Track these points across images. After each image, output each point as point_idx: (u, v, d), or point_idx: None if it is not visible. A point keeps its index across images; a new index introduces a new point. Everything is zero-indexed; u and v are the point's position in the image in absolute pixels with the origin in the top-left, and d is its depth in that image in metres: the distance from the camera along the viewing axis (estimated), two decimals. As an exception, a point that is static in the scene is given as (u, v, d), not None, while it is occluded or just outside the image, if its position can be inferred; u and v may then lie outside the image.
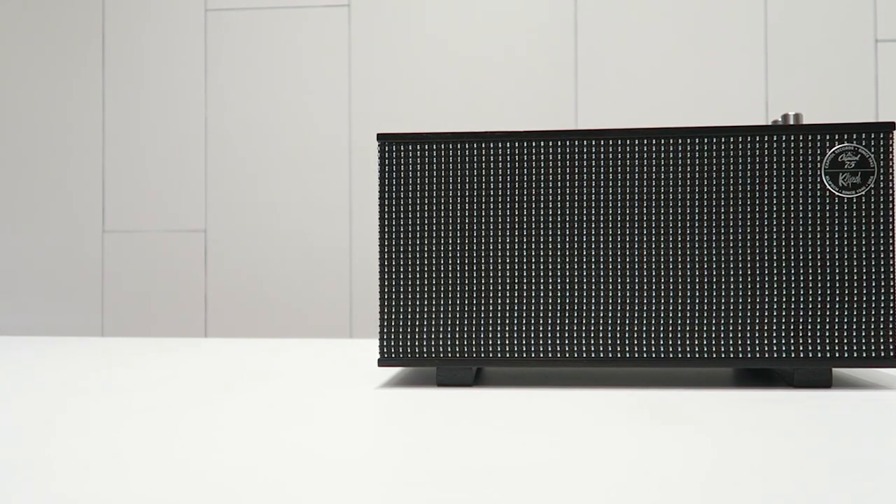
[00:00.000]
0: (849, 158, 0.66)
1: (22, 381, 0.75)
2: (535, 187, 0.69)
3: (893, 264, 0.66)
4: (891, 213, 0.66)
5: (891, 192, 0.66)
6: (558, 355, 0.68)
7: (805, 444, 0.46)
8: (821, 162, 0.66)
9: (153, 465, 0.42)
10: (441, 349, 0.69)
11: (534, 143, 0.68)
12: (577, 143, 0.68)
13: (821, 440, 0.47)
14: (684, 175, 0.67)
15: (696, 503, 0.34)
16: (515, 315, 0.68)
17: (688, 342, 0.67)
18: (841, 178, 0.66)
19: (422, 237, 0.69)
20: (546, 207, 0.68)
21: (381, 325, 0.69)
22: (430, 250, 0.69)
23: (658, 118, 1.26)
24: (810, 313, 0.66)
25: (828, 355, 0.66)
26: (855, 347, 0.66)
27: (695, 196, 0.67)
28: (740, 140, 0.67)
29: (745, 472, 0.40)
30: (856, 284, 0.66)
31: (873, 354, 0.66)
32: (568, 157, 0.68)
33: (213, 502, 0.35)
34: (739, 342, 0.67)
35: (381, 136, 0.70)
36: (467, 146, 0.69)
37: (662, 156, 0.68)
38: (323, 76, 1.33)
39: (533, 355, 0.68)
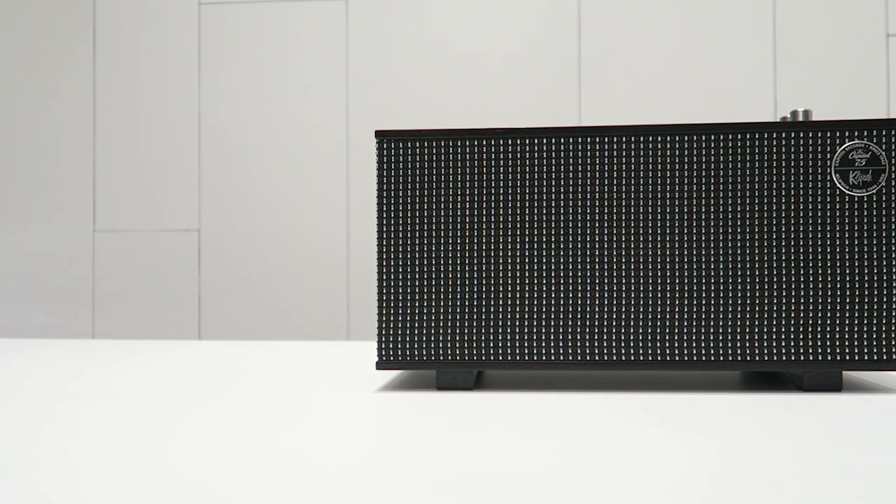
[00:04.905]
0: (859, 156, 0.64)
1: (10, 385, 0.73)
2: (538, 186, 0.67)
3: (905, 264, 0.64)
4: (902, 212, 0.64)
5: (902, 190, 0.64)
6: (562, 358, 0.66)
7: (814, 449, 0.45)
8: (830, 160, 0.65)
9: (147, 470, 0.40)
10: (441, 351, 0.67)
11: (536, 141, 0.67)
12: (580, 140, 0.67)
13: (830, 445, 0.46)
14: (690, 173, 0.66)
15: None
16: (517, 316, 0.67)
17: (694, 345, 0.65)
18: (851, 176, 0.64)
19: (421, 236, 0.67)
20: (549, 206, 0.67)
21: (380, 327, 0.68)
22: (429, 250, 0.67)
23: (664, 115, 1.25)
24: (819, 315, 0.65)
25: (837, 358, 0.64)
26: (866, 350, 0.64)
27: (701, 195, 0.66)
28: (748, 137, 0.66)
29: (753, 478, 0.38)
30: (866, 285, 0.64)
31: (884, 357, 0.64)
32: (571, 154, 0.67)
33: (205, 515, 0.33)
34: (747, 344, 0.65)
35: (379, 133, 0.68)
36: (468, 143, 0.67)
37: (668, 153, 0.66)
38: (319, 72, 1.31)
39: (535, 358, 0.66)
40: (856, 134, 0.65)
